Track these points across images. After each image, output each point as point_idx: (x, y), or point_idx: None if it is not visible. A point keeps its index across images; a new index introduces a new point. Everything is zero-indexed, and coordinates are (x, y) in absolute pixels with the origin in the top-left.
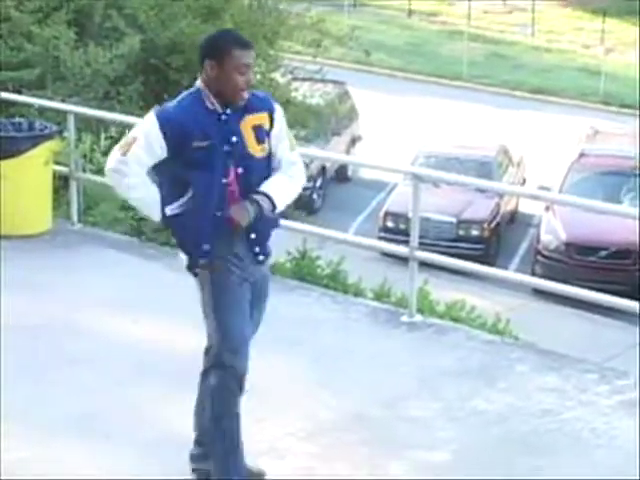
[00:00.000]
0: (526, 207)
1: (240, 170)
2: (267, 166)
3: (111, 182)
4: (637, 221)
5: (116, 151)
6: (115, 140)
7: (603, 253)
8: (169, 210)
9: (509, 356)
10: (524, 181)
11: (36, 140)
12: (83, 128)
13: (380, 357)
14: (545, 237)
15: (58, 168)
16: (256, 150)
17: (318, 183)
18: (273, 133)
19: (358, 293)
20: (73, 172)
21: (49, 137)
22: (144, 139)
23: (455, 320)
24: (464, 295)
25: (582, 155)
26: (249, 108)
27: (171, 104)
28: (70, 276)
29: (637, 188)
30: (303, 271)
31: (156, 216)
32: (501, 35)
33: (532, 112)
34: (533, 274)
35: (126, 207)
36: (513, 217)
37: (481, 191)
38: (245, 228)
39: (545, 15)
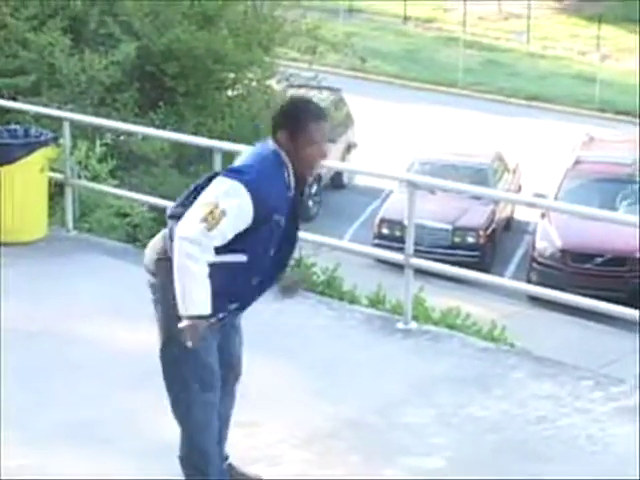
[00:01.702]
0: (522, 214)
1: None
2: None
3: (179, 251)
4: (633, 228)
5: (197, 221)
6: (111, 147)
7: (598, 260)
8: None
9: (504, 363)
10: (520, 188)
11: (32, 147)
12: (78, 135)
13: (375, 364)
14: (540, 244)
15: (53, 175)
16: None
17: (313, 190)
18: None
19: (353, 300)
20: (68, 179)
21: (44, 144)
22: (235, 214)
23: (450, 327)
24: (459, 302)
25: (578, 162)
26: None
27: (256, 169)
28: (65, 283)
29: (633, 195)
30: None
31: (191, 309)
32: (497, 42)
33: (528, 119)
34: (528, 281)
35: (121, 214)
36: (508, 224)
37: (477, 198)
38: None
39: (541, 22)
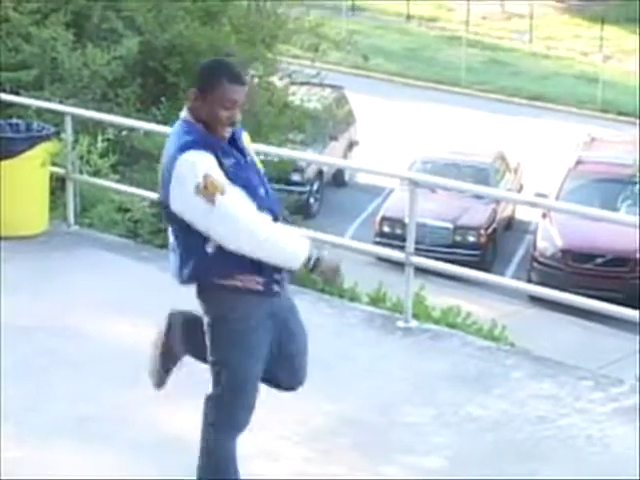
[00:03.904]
0: (523, 214)
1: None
2: None
3: (240, 239)
4: (634, 229)
5: (211, 205)
6: (112, 142)
7: (599, 260)
8: None
9: (504, 362)
10: (521, 188)
11: (33, 141)
12: (80, 130)
13: (375, 362)
14: (541, 244)
15: (55, 169)
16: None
17: (315, 187)
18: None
19: (354, 298)
20: (70, 174)
21: (46, 138)
22: (212, 167)
23: (451, 326)
24: (460, 301)
25: (579, 162)
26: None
27: (183, 139)
28: (66, 278)
29: (634, 195)
30: (299, 275)
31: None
32: (499, 41)
33: (530, 119)
34: (529, 281)
35: (122, 209)
36: (510, 224)
37: (478, 197)
38: None
39: (543, 22)
